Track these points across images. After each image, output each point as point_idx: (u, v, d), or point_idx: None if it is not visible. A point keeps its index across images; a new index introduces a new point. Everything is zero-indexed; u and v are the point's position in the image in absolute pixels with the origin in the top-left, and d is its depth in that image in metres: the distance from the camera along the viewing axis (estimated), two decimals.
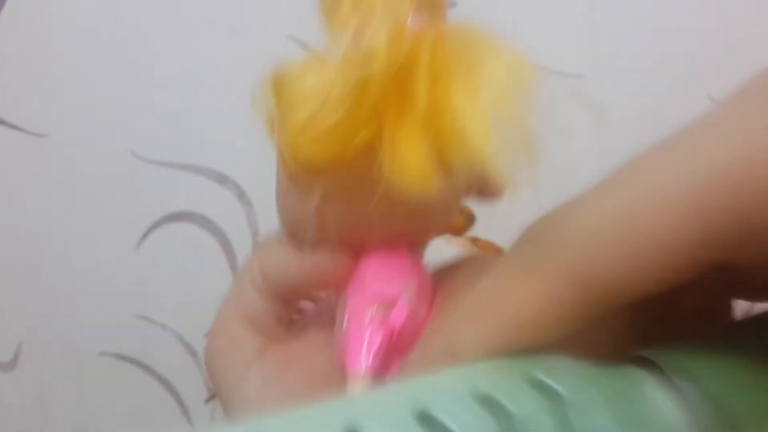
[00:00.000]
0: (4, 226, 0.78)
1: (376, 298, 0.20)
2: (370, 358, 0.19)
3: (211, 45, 0.71)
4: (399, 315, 0.20)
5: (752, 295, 0.15)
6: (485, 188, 0.22)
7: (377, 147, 0.19)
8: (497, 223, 0.27)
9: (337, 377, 0.22)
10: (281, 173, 0.22)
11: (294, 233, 0.22)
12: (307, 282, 0.21)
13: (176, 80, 0.72)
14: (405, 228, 0.21)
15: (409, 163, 0.18)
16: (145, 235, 0.74)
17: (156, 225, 0.74)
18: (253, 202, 0.72)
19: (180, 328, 0.75)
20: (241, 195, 0.72)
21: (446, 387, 0.12)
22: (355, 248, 0.21)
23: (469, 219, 0.58)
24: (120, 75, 0.73)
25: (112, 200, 0.75)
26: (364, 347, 0.19)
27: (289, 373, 0.22)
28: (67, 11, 0.74)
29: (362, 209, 0.20)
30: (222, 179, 0.72)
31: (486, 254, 0.22)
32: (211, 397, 0.74)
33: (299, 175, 0.20)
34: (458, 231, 0.58)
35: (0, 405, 0.81)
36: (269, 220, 0.73)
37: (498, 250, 0.58)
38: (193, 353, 0.75)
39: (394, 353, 0.20)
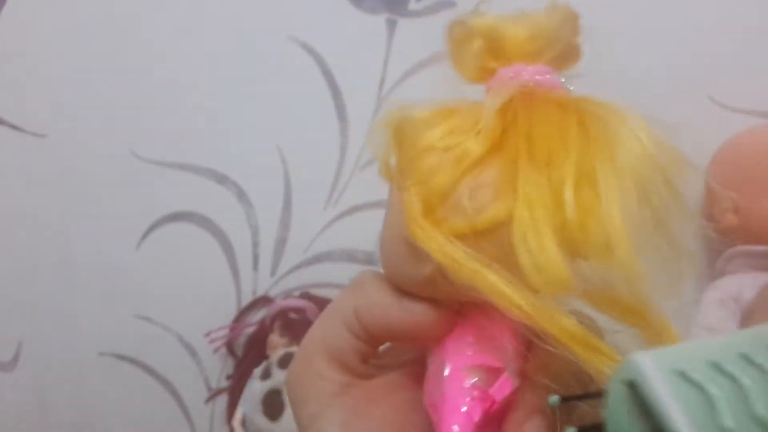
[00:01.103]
0: (3, 226, 0.79)
1: (479, 366, 0.20)
2: (467, 428, 0.19)
3: (212, 46, 0.71)
4: (503, 389, 0.19)
5: None
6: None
7: (506, 223, 0.18)
8: None
9: (417, 421, 0.22)
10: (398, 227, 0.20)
11: (397, 283, 0.21)
12: (403, 330, 0.21)
13: (176, 81, 0.72)
14: None
15: (546, 261, 0.17)
16: (145, 235, 0.74)
17: (156, 225, 0.74)
18: (253, 202, 0.72)
19: (180, 328, 0.75)
20: (240, 195, 0.72)
21: None
22: (456, 306, 0.21)
23: None
24: (120, 75, 0.74)
25: (112, 200, 0.75)
26: (462, 416, 0.19)
27: (369, 413, 0.22)
28: (67, 12, 0.75)
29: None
30: (221, 179, 0.72)
31: None
32: (211, 397, 0.74)
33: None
34: None
35: (0, 404, 0.81)
36: (269, 220, 0.74)
37: None
38: (193, 353, 0.75)
39: (488, 423, 0.19)
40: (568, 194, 0.17)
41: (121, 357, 0.77)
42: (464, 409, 0.19)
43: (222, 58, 0.71)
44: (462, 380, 0.19)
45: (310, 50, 0.69)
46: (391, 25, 0.67)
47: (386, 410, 0.22)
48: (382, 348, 0.23)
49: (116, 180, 0.74)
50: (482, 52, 0.20)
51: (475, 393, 0.19)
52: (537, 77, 0.19)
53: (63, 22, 0.75)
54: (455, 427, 0.19)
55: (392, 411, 0.22)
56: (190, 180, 0.73)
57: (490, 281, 0.18)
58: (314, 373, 0.22)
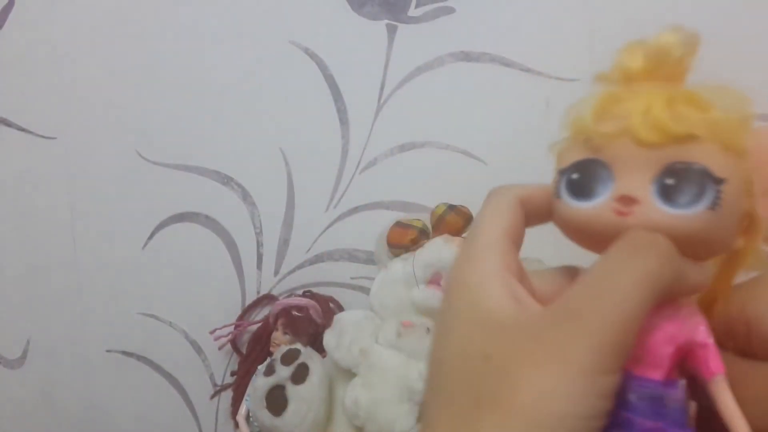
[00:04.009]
0: (13, 226, 0.80)
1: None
2: None
3: (216, 49, 0.72)
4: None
5: None
6: None
7: None
8: None
9: None
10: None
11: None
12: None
13: (181, 84, 0.73)
14: None
15: None
16: (152, 235, 0.76)
17: (162, 225, 0.75)
18: (257, 202, 0.73)
19: (185, 326, 0.76)
20: (245, 196, 0.73)
21: None
22: None
23: (467, 219, 0.59)
24: (126, 79, 0.75)
25: (119, 201, 0.76)
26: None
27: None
28: (74, 16, 0.76)
29: None
30: (226, 180, 0.73)
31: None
32: (216, 393, 0.75)
33: None
34: (457, 231, 0.60)
35: (8, 401, 0.82)
36: (272, 220, 0.75)
37: None
38: (198, 350, 0.76)
39: None
40: None
41: (128, 354, 0.78)
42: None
43: (226, 62, 0.72)
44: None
45: (311, 55, 0.70)
46: (392, 30, 0.68)
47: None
48: None
49: (123, 181, 0.75)
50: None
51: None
52: None
53: (70, 25, 0.76)
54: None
55: None
56: (196, 181, 0.74)
57: None
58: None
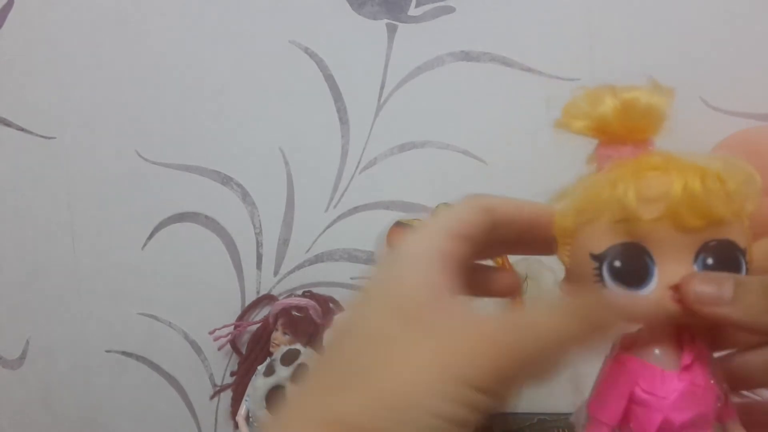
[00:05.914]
0: (12, 226, 0.80)
1: None
2: None
3: (216, 49, 0.72)
4: None
5: None
6: None
7: None
8: None
9: None
10: None
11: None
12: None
13: (181, 83, 0.73)
14: None
15: None
16: (151, 235, 0.75)
17: (162, 225, 0.75)
18: (257, 202, 0.73)
19: (185, 326, 0.76)
20: (244, 196, 0.73)
21: None
22: None
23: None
24: (126, 78, 0.75)
25: (119, 201, 0.76)
26: None
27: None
28: (73, 16, 0.76)
29: None
30: (226, 180, 0.73)
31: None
32: (216, 393, 0.75)
33: None
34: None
35: (8, 401, 0.82)
36: (272, 220, 0.75)
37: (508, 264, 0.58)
38: (198, 350, 0.76)
39: None
40: None
41: (128, 354, 0.78)
42: None
43: (226, 62, 0.72)
44: None
45: (311, 54, 0.70)
46: (392, 29, 0.68)
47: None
48: None
49: (123, 181, 0.75)
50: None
51: None
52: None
53: (69, 25, 0.76)
54: None
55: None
56: (195, 181, 0.73)
57: None
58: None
